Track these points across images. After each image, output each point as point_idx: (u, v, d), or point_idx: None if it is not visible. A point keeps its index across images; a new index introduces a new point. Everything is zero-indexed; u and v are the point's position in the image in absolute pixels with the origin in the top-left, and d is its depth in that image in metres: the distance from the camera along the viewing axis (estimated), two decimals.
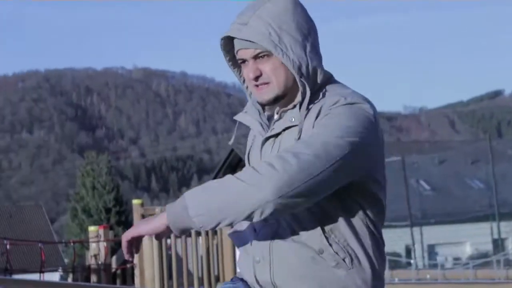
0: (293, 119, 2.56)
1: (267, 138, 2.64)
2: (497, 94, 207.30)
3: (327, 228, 2.53)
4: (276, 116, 2.65)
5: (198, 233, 9.46)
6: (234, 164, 33.98)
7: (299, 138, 2.50)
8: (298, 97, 2.57)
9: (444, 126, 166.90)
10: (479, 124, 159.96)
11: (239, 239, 2.77)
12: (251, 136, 2.85)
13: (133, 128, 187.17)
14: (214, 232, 9.56)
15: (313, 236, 2.54)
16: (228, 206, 2.36)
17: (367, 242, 2.57)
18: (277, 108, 2.64)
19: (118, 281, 11.90)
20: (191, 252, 9.43)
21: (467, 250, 31.44)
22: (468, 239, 31.62)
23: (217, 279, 9.50)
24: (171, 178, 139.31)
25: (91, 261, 10.77)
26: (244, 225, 2.75)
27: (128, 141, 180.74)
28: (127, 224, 41.62)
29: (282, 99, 2.58)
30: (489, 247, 29.82)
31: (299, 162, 2.35)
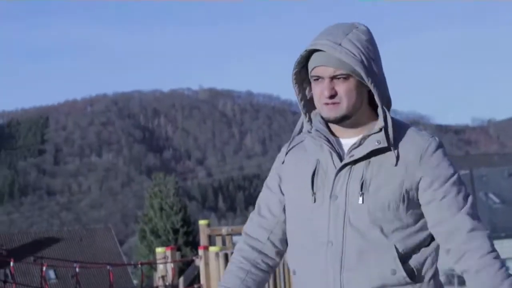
0: (379, 142, 2.70)
1: (344, 165, 2.74)
2: None
3: (400, 252, 2.70)
4: (349, 142, 2.77)
5: None
6: None
7: (396, 164, 2.71)
8: (368, 121, 2.77)
9: None
10: None
11: (303, 276, 2.81)
12: (292, 160, 2.89)
13: (200, 149, 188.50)
14: None
15: (386, 259, 2.67)
16: None
17: (433, 263, 2.76)
18: (358, 137, 2.77)
19: None
20: None
21: None
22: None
23: None
24: (238, 197, 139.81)
25: (158, 282, 10.86)
26: (305, 262, 2.80)
27: (195, 161, 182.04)
28: (195, 244, 41.81)
29: (347, 120, 2.73)
30: None
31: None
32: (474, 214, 2.75)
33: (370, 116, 2.79)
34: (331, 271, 2.72)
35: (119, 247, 47.50)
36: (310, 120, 2.87)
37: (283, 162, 2.91)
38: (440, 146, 2.77)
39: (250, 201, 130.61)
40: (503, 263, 2.75)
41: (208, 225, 11.17)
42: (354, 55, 2.67)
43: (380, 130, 2.72)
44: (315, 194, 2.77)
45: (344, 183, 2.73)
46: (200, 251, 9.57)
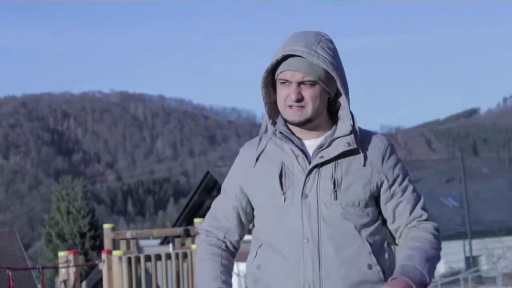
0: (349, 144, 2.91)
1: (314, 166, 2.91)
2: (472, 112, 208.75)
3: (372, 246, 2.88)
4: (312, 143, 2.95)
5: (168, 257, 9.44)
6: (210, 186, 33.93)
7: (364, 164, 2.92)
8: (326, 126, 2.98)
9: (421, 145, 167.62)
10: (455, 142, 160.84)
11: (270, 271, 2.92)
12: (248, 160, 3.03)
13: (110, 152, 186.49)
14: (184, 255, 9.54)
15: (362, 253, 2.85)
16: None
17: (393, 258, 2.98)
18: (318, 138, 2.96)
19: None
20: (162, 275, 9.40)
21: (441, 268, 31.56)
22: (443, 257, 31.78)
23: None
24: (148, 201, 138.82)
25: (60, 287, 10.71)
26: (274, 258, 2.92)
27: (105, 165, 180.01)
28: (102, 248, 41.39)
29: (309, 123, 2.92)
30: (461, 265, 29.97)
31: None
32: (426, 208, 3.02)
33: (328, 121, 2.99)
34: (309, 267, 2.83)
35: (23, 251, 46.55)
36: (273, 123, 3.00)
37: (254, 166, 3.00)
38: (392, 147, 3.03)
39: (160, 205, 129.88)
40: (437, 255, 2.94)
41: (113, 228, 11.05)
42: (330, 61, 2.86)
43: (350, 133, 2.92)
44: (284, 193, 2.90)
45: (314, 182, 2.89)
46: (103, 255, 9.48)
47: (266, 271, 2.91)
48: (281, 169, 2.93)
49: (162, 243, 32.26)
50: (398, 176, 2.97)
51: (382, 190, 2.96)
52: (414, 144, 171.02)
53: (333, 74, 2.85)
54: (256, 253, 2.98)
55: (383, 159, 2.96)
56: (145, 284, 9.24)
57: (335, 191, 2.88)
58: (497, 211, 34.37)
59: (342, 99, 2.94)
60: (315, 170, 2.91)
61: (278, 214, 2.92)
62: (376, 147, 2.97)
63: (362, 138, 2.97)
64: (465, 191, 30.78)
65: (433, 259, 2.90)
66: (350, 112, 2.95)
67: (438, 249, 2.95)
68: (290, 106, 2.89)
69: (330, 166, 2.91)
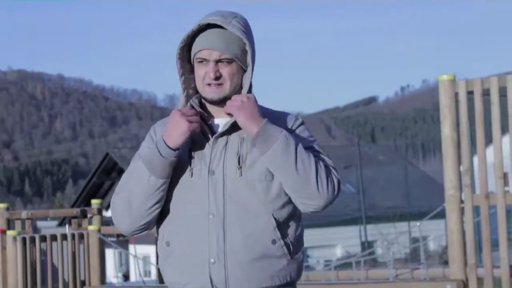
0: None
1: (219, 136, 2.95)
2: (371, 100, 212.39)
3: (278, 221, 2.91)
4: (222, 121, 2.96)
5: (64, 237, 9.36)
6: (109, 168, 33.66)
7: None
8: None
9: (321, 131, 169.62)
10: (354, 129, 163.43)
11: (178, 246, 2.94)
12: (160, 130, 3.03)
13: (7, 132, 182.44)
14: (81, 236, 9.47)
15: (266, 228, 2.88)
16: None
17: (300, 235, 3.01)
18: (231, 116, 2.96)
19: None
20: (57, 256, 9.32)
21: (338, 252, 32.17)
22: (339, 242, 32.38)
23: (83, 284, 9.41)
24: (46, 182, 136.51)
25: None
26: (182, 233, 2.94)
27: (1, 144, 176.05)
28: None
29: (226, 101, 2.94)
30: (358, 249, 30.59)
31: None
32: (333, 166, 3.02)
33: None
34: (214, 242, 2.87)
35: None
36: (188, 95, 3.02)
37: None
38: (303, 122, 3.06)
39: (58, 187, 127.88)
40: (310, 157, 2.92)
41: (8, 208, 10.88)
42: (245, 32, 2.92)
43: None
44: (192, 169, 2.94)
45: (220, 158, 2.93)
46: None
47: (175, 246, 2.95)
48: (189, 146, 2.96)
49: (60, 225, 31.86)
50: (303, 140, 2.99)
51: None
52: (314, 130, 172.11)
53: (247, 43, 2.92)
54: (165, 229, 3.01)
55: (289, 131, 2.97)
56: (40, 265, 9.15)
57: (240, 167, 2.91)
58: (392, 197, 35.21)
59: (247, 73, 2.99)
60: (221, 147, 2.95)
61: (185, 189, 2.96)
62: (283, 121, 3.01)
63: (266, 114, 2.99)
64: (361, 178, 31.40)
65: (303, 152, 2.89)
66: (251, 85, 3.00)
67: (318, 167, 2.92)
68: (209, 85, 2.93)
69: (236, 142, 2.95)
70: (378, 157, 41.43)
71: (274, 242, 2.90)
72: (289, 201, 2.97)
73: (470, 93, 7.10)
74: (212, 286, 2.90)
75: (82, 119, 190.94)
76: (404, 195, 33.91)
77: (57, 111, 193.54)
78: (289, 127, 3.00)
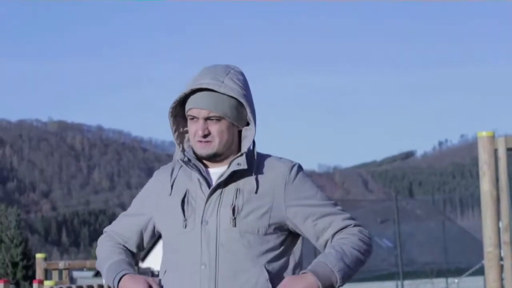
0: (239, 164, 2.96)
1: (215, 188, 2.97)
2: (408, 155, 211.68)
3: (270, 273, 2.93)
4: (217, 170, 3.01)
5: None
6: None
7: (257, 189, 2.96)
8: (235, 153, 3.03)
9: (358, 185, 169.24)
10: (391, 184, 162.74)
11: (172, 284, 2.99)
12: (159, 185, 3.11)
13: (46, 181, 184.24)
14: None
15: (258, 281, 2.90)
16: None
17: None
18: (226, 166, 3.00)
19: None
20: None
21: None
22: None
23: None
24: (83, 232, 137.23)
25: None
26: (174, 284, 2.97)
27: (40, 194, 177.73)
28: (33, 278, 40.75)
29: (218, 157, 3.00)
30: None
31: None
32: (350, 217, 3.05)
33: (239, 152, 3.04)
34: None
35: None
36: (183, 149, 3.08)
37: (170, 194, 3.05)
38: (300, 169, 3.05)
39: (95, 237, 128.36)
40: (360, 256, 2.98)
41: (46, 258, 10.96)
42: (238, 90, 2.97)
43: (241, 154, 2.98)
44: (186, 220, 2.97)
45: (214, 209, 2.96)
46: (35, 285, 9.39)
47: None
48: (184, 196, 3.01)
49: (96, 275, 31.90)
50: (306, 198, 3.00)
51: (291, 216, 2.99)
52: (351, 183, 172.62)
53: (242, 100, 2.97)
54: (160, 281, 3.03)
55: (286, 183, 3.00)
56: None
57: (234, 218, 2.93)
58: (430, 252, 34.85)
59: (248, 128, 3.03)
60: (215, 197, 2.98)
61: (179, 241, 2.99)
62: (280, 172, 3.01)
63: (263, 163, 3.03)
64: (398, 232, 31.16)
65: (352, 260, 2.92)
66: (251, 148, 3.03)
67: (363, 251, 2.97)
68: (199, 141, 2.99)
69: (232, 193, 2.97)
70: (416, 211, 41.14)
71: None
72: (283, 255, 3.00)
73: (509, 149, 7.07)
74: None
75: (120, 170, 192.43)
76: (441, 250, 33.55)
77: (95, 161, 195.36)
78: (285, 180, 3.00)
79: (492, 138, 7.11)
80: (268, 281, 2.90)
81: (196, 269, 2.92)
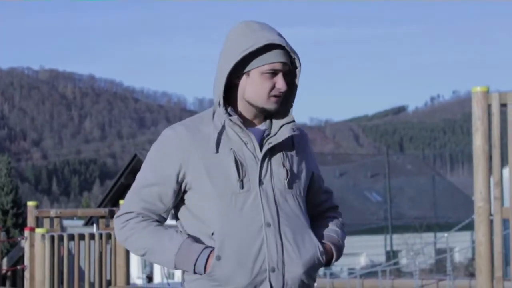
0: (294, 130, 3.03)
1: (266, 153, 2.99)
2: (400, 110, 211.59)
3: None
4: (256, 130, 3.01)
5: (92, 237, 9.42)
6: (137, 169, 33.66)
7: (303, 153, 3.12)
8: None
9: (349, 139, 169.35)
10: (382, 138, 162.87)
11: (230, 255, 2.92)
12: (206, 144, 2.98)
13: (36, 130, 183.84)
14: (108, 236, 9.53)
15: (313, 239, 3.02)
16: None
17: None
18: (261, 124, 3.05)
19: (7, 283, 11.73)
20: (84, 255, 9.38)
21: (362, 261, 32.04)
22: (364, 250, 32.23)
23: (109, 284, 9.47)
24: (73, 181, 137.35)
25: None
26: (237, 243, 2.93)
27: (31, 142, 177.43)
28: (24, 226, 40.84)
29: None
30: (382, 258, 30.49)
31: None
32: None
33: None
34: (274, 251, 2.90)
35: None
36: (226, 111, 2.99)
37: (217, 151, 2.95)
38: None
39: (85, 186, 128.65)
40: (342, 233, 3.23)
41: (37, 206, 10.97)
42: (294, 51, 3.00)
43: (293, 120, 3.04)
44: (242, 180, 2.94)
45: (268, 170, 2.98)
46: (26, 232, 9.43)
47: (227, 261, 2.89)
48: (234, 157, 2.95)
49: (86, 225, 32.01)
50: (316, 167, 3.22)
51: (312, 179, 3.17)
52: (342, 137, 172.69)
53: (298, 63, 3.02)
54: (217, 229, 2.93)
55: (310, 149, 3.17)
56: (67, 263, 9.21)
57: (287, 179, 2.99)
58: (419, 207, 35.05)
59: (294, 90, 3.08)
60: (266, 158, 2.99)
61: (234, 202, 2.93)
62: (303, 138, 3.15)
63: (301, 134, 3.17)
64: (388, 187, 31.29)
65: (344, 237, 3.21)
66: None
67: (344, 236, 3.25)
68: (275, 96, 2.99)
69: (279, 154, 3.01)
70: (406, 166, 41.29)
71: (319, 251, 3.01)
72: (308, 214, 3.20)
73: (503, 105, 7.07)
74: None
75: (111, 119, 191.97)
76: (431, 205, 33.75)
77: (86, 111, 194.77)
78: (309, 145, 3.19)
79: (486, 94, 7.11)
80: (318, 242, 3.04)
81: (259, 229, 2.91)
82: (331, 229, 3.15)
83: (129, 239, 3.00)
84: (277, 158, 3.01)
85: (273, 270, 2.90)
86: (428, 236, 30.26)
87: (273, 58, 2.96)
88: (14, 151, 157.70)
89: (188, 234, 2.97)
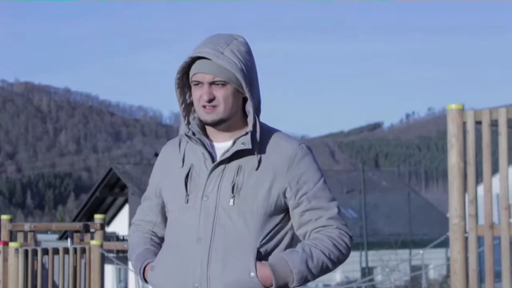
0: (244, 144, 2.93)
1: (218, 164, 2.97)
2: (376, 126, 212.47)
3: (261, 254, 2.93)
4: (222, 145, 3.00)
5: (66, 251, 9.36)
6: (112, 183, 33.63)
7: (258, 167, 2.94)
8: (241, 127, 3.01)
9: (325, 155, 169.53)
10: (358, 154, 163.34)
11: (161, 266, 2.99)
12: (165, 161, 3.12)
13: (11, 143, 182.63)
14: (83, 251, 9.47)
15: (248, 260, 2.89)
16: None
17: None
18: (231, 140, 2.99)
19: None
20: (58, 270, 9.31)
21: (337, 277, 32.03)
22: (340, 267, 32.29)
23: None
24: (48, 195, 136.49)
25: None
26: (168, 257, 2.99)
27: (5, 155, 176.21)
28: None
29: (223, 123, 2.97)
30: (357, 275, 30.49)
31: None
32: (338, 218, 3.02)
33: (243, 122, 3.03)
34: (199, 266, 2.90)
35: None
36: (188, 123, 3.05)
37: (182, 167, 3.05)
38: (307, 153, 3.04)
39: (60, 200, 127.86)
40: (327, 261, 2.97)
41: (11, 220, 10.89)
42: (236, 63, 2.91)
43: (247, 133, 2.96)
44: (188, 196, 2.98)
45: (216, 184, 2.96)
46: (0, 247, 9.34)
47: (158, 271, 2.98)
48: (189, 171, 3.00)
49: (60, 239, 31.81)
50: (305, 184, 2.99)
51: (288, 197, 3.00)
52: (318, 154, 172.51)
53: (238, 76, 2.91)
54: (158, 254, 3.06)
55: (289, 166, 2.99)
56: (41, 277, 9.14)
57: (234, 196, 2.94)
58: (394, 224, 35.12)
59: (247, 103, 2.99)
60: (218, 173, 2.97)
61: (179, 215, 2.99)
62: (284, 153, 3.00)
63: (267, 142, 3.01)
64: (364, 203, 31.36)
65: (316, 265, 2.93)
66: (256, 114, 3.00)
67: (332, 258, 2.98)
68: (204, 107, 2.95)
69: (234, 170, 2.96)
70: (382, 183, 41.39)
71: (250, 274, 2.89)
72: (278, 234, 3.01)
73: (478, 123, 7.12)
74: None
75: (87, 133, 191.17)
76: (406, 222, 33.83)
77: (62, 124, 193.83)
78: (289, 162, 2.99)
79: (461, 111, 7.16)
80: (254, 264, 2.89)
81: (192, 243, 2.92)
82: (291, 251, 2.94)
83: (128, 246, 3.24)
84: (231, 173, 2.96)
85: (197, 287, 2.91)
86: (403, 253, 30.31)
87: (195, 69, 2.97)
88: None
89: (150, 248, 3.14)
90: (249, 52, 3.01)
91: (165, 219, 3.15)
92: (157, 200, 3.15)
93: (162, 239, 3.16)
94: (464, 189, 7.15)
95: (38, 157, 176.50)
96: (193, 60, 2.98)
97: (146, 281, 3.06)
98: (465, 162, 7.12)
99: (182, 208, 2.99)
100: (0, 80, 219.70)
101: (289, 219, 3.05)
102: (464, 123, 7.14)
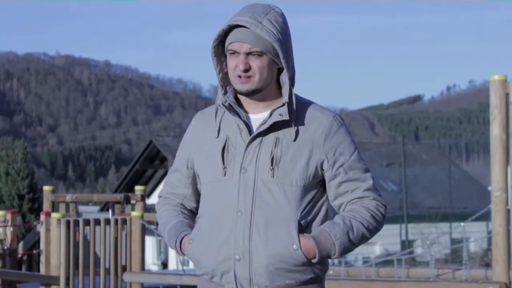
0: (281, 115, 2.91)
1: (255, 136, 2.94)
2: (416, 99, 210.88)
3: (302, 226, 2.91)
4: (258, 117, 2.97)
5: (107, 222, 9.44)
6: (152, 156, 33.84)
7: (295, 139, 2.92)
8: (275, 97, 2.99)
9: (364, 128, 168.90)
10: (397, 127, 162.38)
11: (201, 239, 2.98)
12: (199, 131, 3.07)
13: (52, 116, 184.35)
14: (124, 222, 9.55)
15: (289, 232, 2.88)
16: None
17: None
18: (266, 112, 2.97)
19: (23, 267, 11.80)
20: (100, 241, 9.40)
21: (377, 250, 31.98)
22: (379, 240, 32.15)
23: (124, 269, 9.49)
24: (89, 167, 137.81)
25: None
26: (209, 229, 2.97)
27: (47, 128, 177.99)
28: (40, 211, 41.03)
29: (257, 93, 2.94)
30: (397, 248, 30.39)
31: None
32: (373, 189, 3.03)
33: (277, 93, 3.00)
34: (240, 238, 2.88)
35: None
36: (225, 92, 3.01)
37: (217, 137, 3.01)
38: (342, 124, 3.02)
39: (101, 172, 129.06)
40: (366, 233, 2.97)
41: (53, 191, 11.01)
42: (274, 33, 2.88)
43: (283, 104, 2.92)
44: (225, 168, 2.95)
45: (254, 157, 2.93)
46: (42, 217, 9.45)
47: (197, 243, 2.97)
48: (225, 143, 2.97)
49: (101, 210, 32.11)
50: (341, 155, 2.98)
51: (325, 169, 2.98)
52: (357, 126, 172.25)
53: (276, 46, 2.88)
54: (196, 226, 3.04)
55: (326, 137, 2.97)
56: (82, 248, 9.23)
57: (273, 168, 2.91)
58: (434, 197, 34.93)
59: (283, 73, 2.96)
60: (255, 145, 2.94)
61: (217, 188, 2.97)
62: (320, 124, 2.98)
63: (304, 113, 2.99)
64: (404, 176, 31.18)
65: (356, 236, 2.94)
66: (290, 85, 2.96)
67: (371, 228, 2.97)
68: (239, 76, 2.92)
69: (271, 142, 2.94)
70: (422, 156, 41.14)
71: (293, 247, 2.89)
72: (316, 205, 3.00)
73: None
74: (236, 282, 2.91)
75: (127, 106, 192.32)
76: (446, 195, 33.62)
77: (102, 97, 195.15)
78: (325, 133, 2.98)
79: (504, 82, 7.05)
80: (297, 236, 2.88)
81: (232, 216, 2.90)
82: (333, 223, 2.94)
83: (158, 220, 3.18)
84: (267, 146, 2.93)
85: (239, 259, 2.89)
86: (444, 226, 30.14)
87: (232, 38, 2.93)
88: (30, 136, 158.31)
89: (182, 220, 3.11)
90: (285, 23, 2.97)
91: (195, 191, 3.14)
92: (188, 172, 3.12)
93: (191, 212, 3.16)
94: (507, 161, 7.07)
95: (79, 130, 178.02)
96: (230, 29, 2.94)
97: (183, 254, 3.04)
98: (507, 134, 7.03)
99: (220, 181, 2.96)
100: (42, 53, 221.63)
101: (324, 190, 3.03)
102: (507, 94, 7.04)
